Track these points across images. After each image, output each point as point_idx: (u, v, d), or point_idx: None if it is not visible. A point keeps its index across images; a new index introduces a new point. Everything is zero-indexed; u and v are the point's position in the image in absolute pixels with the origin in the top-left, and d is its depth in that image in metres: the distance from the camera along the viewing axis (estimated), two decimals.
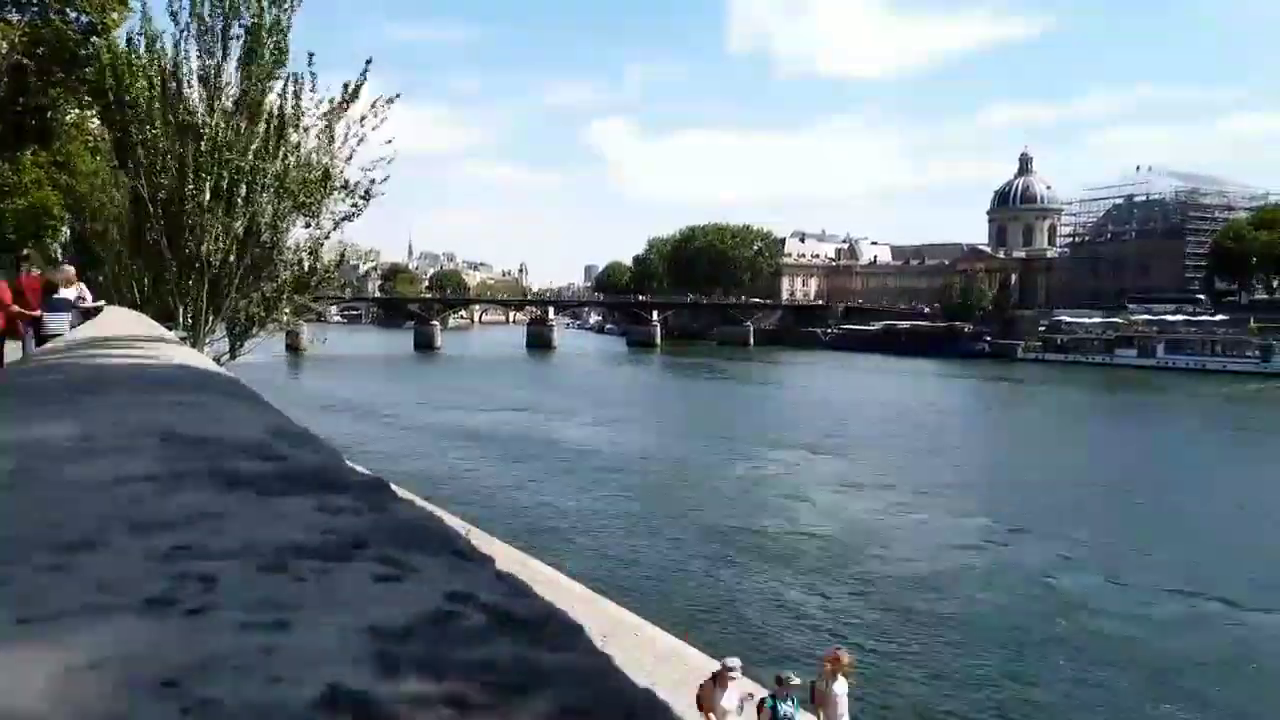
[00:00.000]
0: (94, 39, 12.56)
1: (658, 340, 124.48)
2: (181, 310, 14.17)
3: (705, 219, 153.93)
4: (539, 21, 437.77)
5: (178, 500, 1.18)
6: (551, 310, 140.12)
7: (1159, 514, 27.09)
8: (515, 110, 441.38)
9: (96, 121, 15.81)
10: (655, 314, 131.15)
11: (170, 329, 11.58)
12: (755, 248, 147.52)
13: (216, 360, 12.41)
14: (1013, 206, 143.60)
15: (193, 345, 12.17)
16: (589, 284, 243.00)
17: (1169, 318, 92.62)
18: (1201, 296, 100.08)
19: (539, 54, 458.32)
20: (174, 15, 13.66)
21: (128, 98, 13.48)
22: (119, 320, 11.04)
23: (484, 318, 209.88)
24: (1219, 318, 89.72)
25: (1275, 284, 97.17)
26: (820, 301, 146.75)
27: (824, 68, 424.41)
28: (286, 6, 13.93)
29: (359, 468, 1.62)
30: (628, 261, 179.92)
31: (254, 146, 13.98)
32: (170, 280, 14.07)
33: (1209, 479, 33.12)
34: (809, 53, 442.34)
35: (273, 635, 0.70)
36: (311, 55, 14.23)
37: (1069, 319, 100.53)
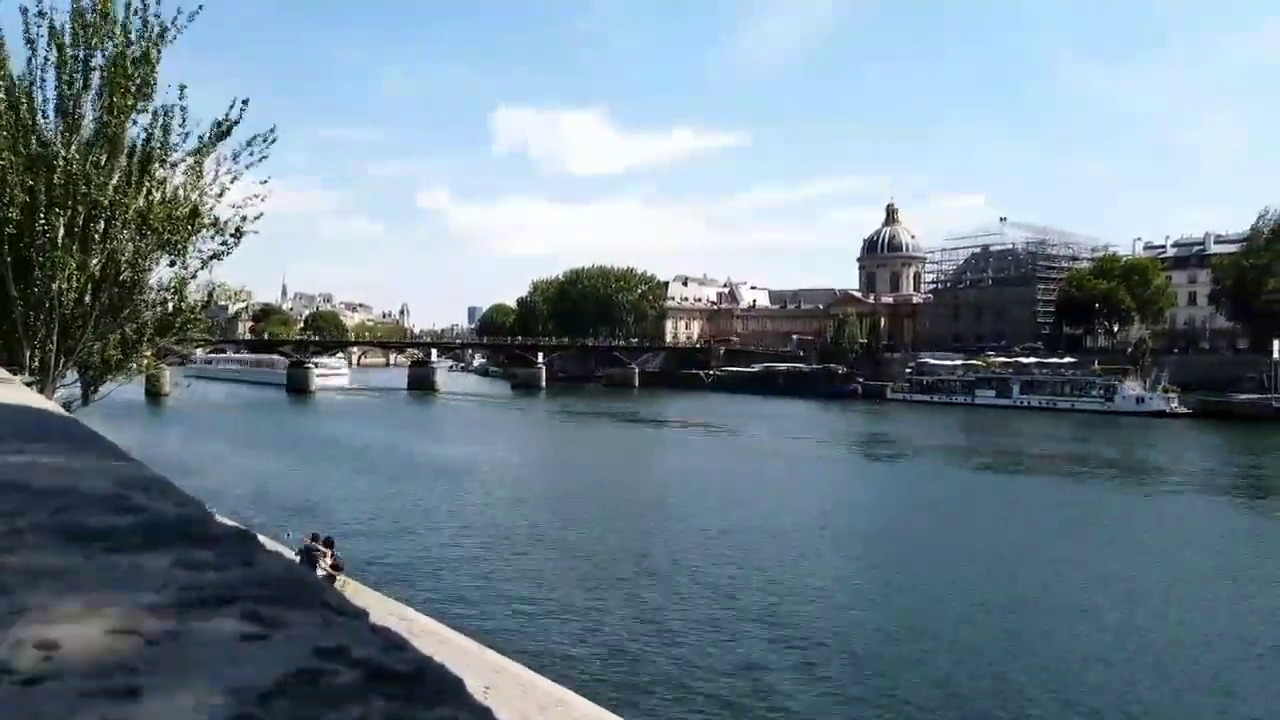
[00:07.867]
0: None
1: (543, 382, 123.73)
2: (29, 353, 13.18)
3: (543, 273, 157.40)
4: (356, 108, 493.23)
5: (16, 559, 1.09)
6: (434, 352, 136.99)
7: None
8: (346, 179, 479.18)
9: None
10: (540, 356, 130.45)
11: (15, 373, 10.74)
12: (639, 291, 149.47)
13: (66, 406, 11.58)
14: (881, 254, 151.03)
15: (40, 390, 11.33)
16: (473, 326, 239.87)
17: (1024, 360, 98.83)
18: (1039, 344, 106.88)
19: (350, 135, 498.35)
20: (30, 42, 12.87)
21: None
22: None
23: (363, 360, 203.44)
24: (1067, 360, 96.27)
25: (1115, 329, 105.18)
26: (703, 344, 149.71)
27: (572, 168, 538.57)
28: (155, 39, 13.35)
29: (223, 519, 1.54)
30: (512, 304, 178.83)
31: (114, 181, 13.24)
32: (16, 321, 13.08)
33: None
34: (559, 156, 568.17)
35: (121, 705, 0.65)
36: (184, 88, 13.67)
37: (933, 361, 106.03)
